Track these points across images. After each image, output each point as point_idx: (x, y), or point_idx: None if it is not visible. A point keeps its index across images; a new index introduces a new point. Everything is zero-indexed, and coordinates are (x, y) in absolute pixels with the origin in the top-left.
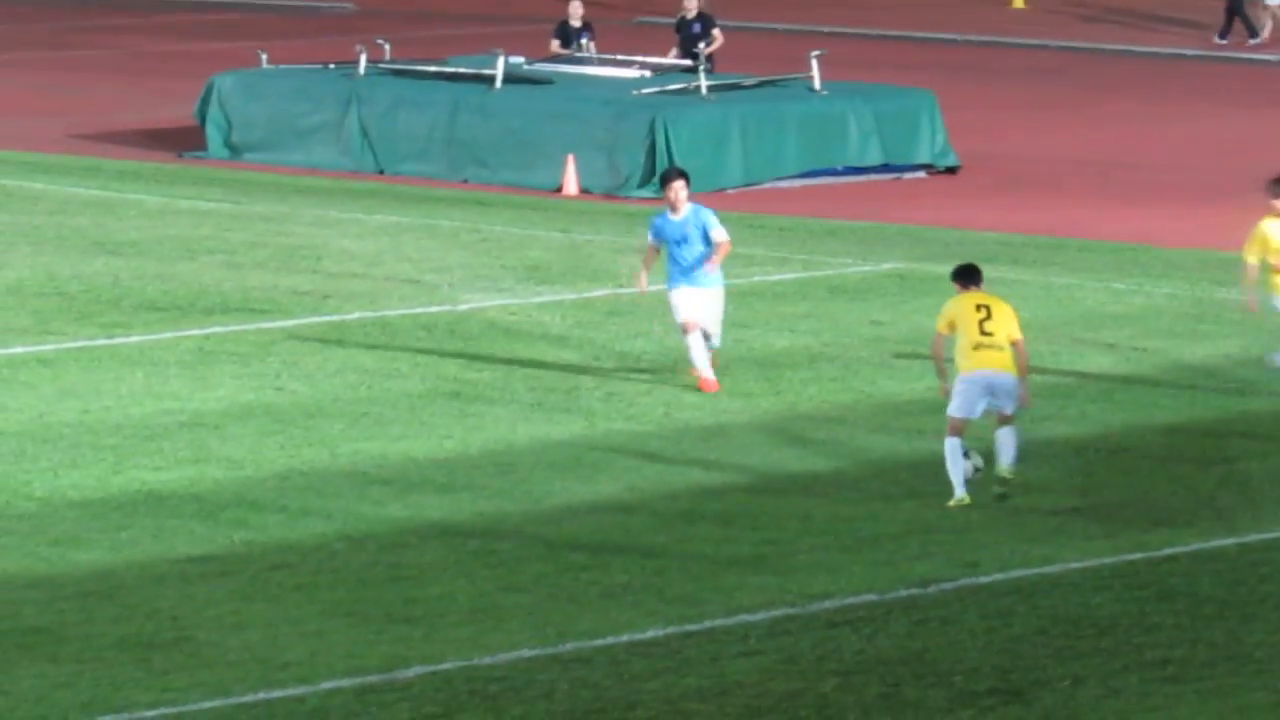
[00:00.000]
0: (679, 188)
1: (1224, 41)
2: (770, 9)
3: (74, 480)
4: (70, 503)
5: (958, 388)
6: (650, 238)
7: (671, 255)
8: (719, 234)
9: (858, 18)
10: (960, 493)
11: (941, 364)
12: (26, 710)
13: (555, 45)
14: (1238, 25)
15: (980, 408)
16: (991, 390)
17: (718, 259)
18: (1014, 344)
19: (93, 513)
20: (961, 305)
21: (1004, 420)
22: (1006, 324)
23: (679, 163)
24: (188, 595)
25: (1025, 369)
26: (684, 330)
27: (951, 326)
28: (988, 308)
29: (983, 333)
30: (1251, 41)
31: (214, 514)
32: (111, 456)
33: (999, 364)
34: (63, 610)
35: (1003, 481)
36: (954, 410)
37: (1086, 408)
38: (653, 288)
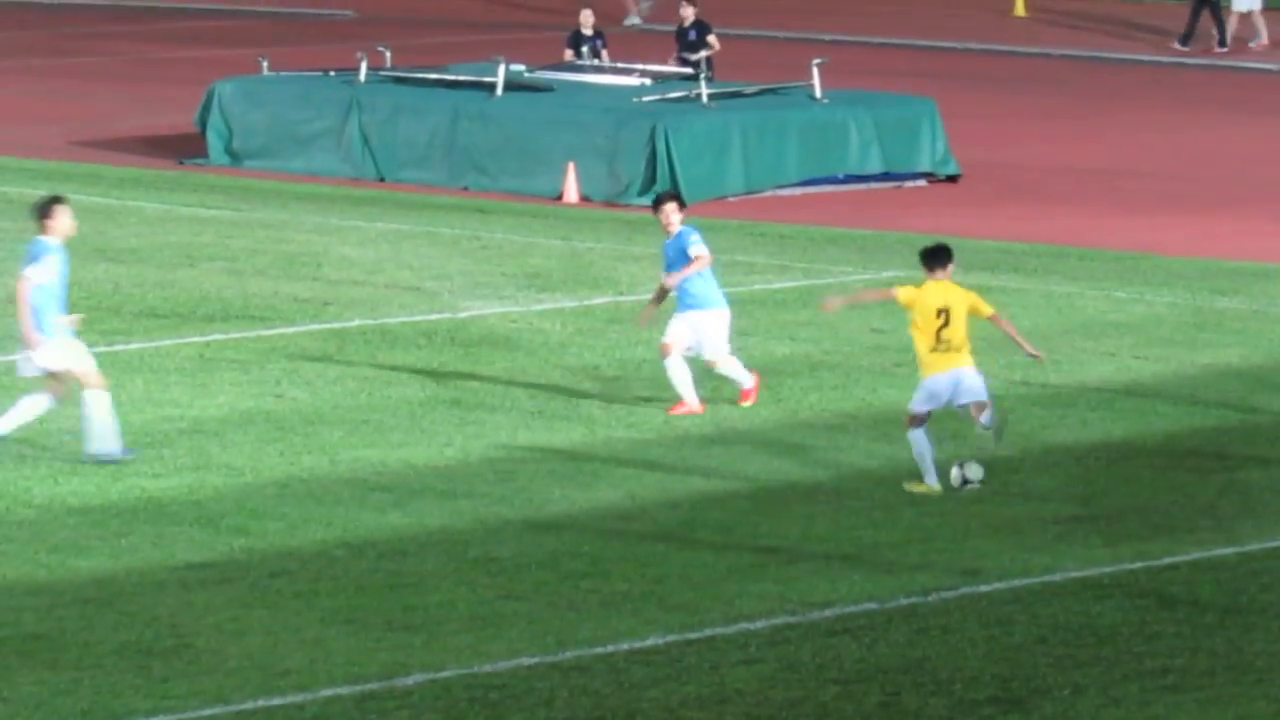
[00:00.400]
0: (668, 211)
1: (1224, 49)
2: (771, 17)
3: (74, 487)
4: (70, 509)
5: (922, 389)
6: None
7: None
8: (695, 249)
9: (859, 25)
10: (931, 481)
11: (862, 298)
12: (26, 717)
13: (569, 54)
14: (1238, 30)
15: (944, 399)
16: (958, 382)
17: (684, 271)
18: (991, 319)
19: (92, 520)
20: (926, 302)
21: (982, 408)
22: (963, 321)
23: (680, 170)
24: (187, 602)
25: (1012, 328)
26: (660, 353)
27: (908, 307)
28: (947, 313)
29: (939, 340)
30: (1178, 46)
31: (214, 521)
32: (111, 464)
33: (958, 363)
34: (62, 617)
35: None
36: (916, 405)
37: (1087, 416)
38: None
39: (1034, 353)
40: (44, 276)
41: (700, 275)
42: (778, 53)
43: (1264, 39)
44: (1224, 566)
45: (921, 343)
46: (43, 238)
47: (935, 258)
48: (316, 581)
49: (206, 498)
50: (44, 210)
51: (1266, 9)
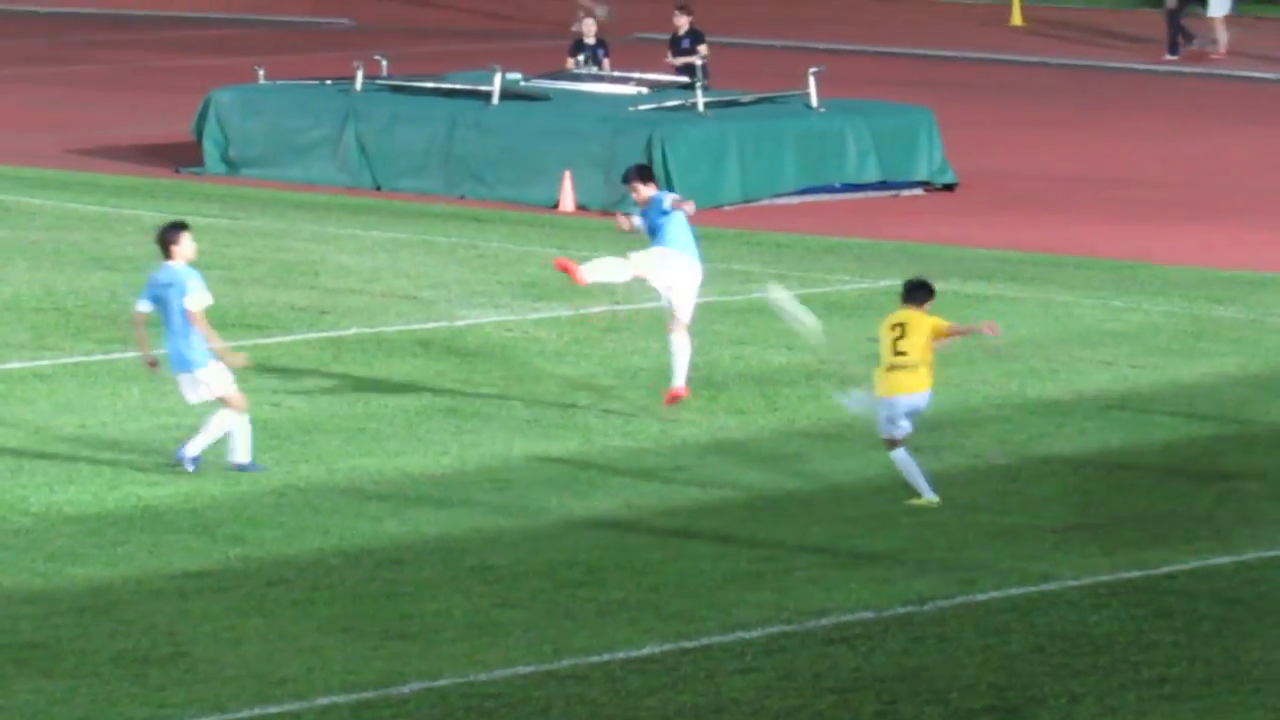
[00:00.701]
0: (634, 187)
1: (1217, 49)
2: (768, 26)
3: (70, 496)
4: (66, 518)
5: (880, 411)
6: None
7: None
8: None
9: (856, 34)
10: (929, 495)
11: None
12: None
13: (570, 63)
14: (1230, 37)
15: (904, 424)
16: (912, 411)
17: (678, 202)
18: (945, 336)
19: (89, 528)
20: (884, 321)
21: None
22: (922, 341)
23: (676, 179)
24: (184, 611)
25: (960, 329)
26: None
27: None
28: (903, 325)
29: (896, 352)
30: (1169, 56)
31: (210, 530)
32: (108, 472)
33: (914, 386)
34: (59, 626)
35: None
36: (883, 433)
37: (1084, 425)
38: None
39: (987, 329)
40: (208, 299)
41: (682, 224)
42: (774, 62)
43: (1222, 46)
44: (1221, 575)
45: (881, 359)
46: (171, 263)
47: (910, 293)
48: (313, 590)
49: (203, 506)
50: (171, 236)
51: (1233, 15)
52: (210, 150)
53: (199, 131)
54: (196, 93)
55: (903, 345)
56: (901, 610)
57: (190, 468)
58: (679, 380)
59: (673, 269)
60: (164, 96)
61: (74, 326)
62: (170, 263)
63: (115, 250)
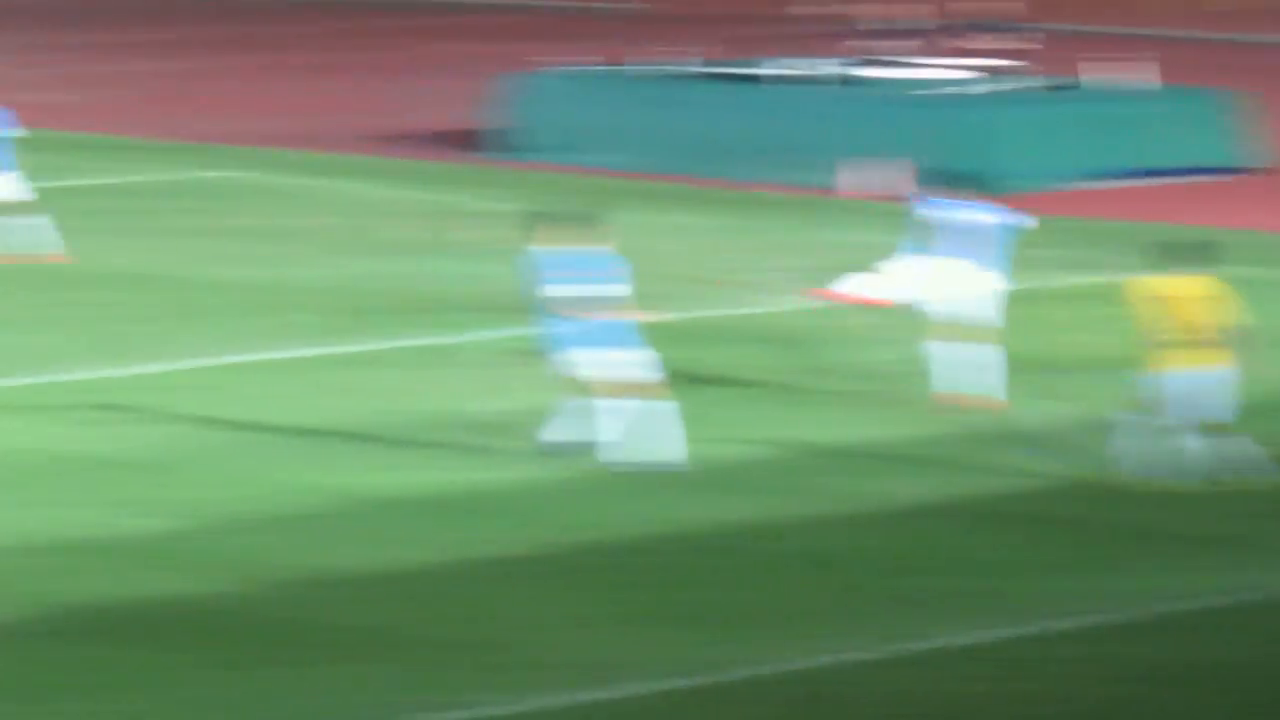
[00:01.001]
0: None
1: None
2: (1091, 13)
3: (408, 479)
4: (390, 501)
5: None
6: None
7: None
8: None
9: (1182, 21)
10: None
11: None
12: (337, 708)
13: (881, 46)
14: None
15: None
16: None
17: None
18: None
19: (414, 512)
20: (1175, 292)
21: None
22: (1229, 313)
23: (1001, 163)
24: (502, 596)
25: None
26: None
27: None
28: (1212, 299)
29: (1217, 328)
30: None
31: (531, 515)
32: (438, 456)
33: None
34: (384, 610)
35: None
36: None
37: None
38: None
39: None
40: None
41: (960, 229)
42: (1104, 47)
43: None
44: None
45: (1186, 333)
46: (593, 249)
47: (1199, 257)
48: (632, 574)
49: (524, 491)
50: (588, 223)
51: None
52: (513, 136)
53: (503, 117)
54: (488, 79)
55: (1218, 320)
56: (1237, 599)
57: (604, 451)
58: (993, 393)
59: (942, 281)
60: (452, 83)
61: (395, 311)
62: (591, 249)
63: (423, 236)
